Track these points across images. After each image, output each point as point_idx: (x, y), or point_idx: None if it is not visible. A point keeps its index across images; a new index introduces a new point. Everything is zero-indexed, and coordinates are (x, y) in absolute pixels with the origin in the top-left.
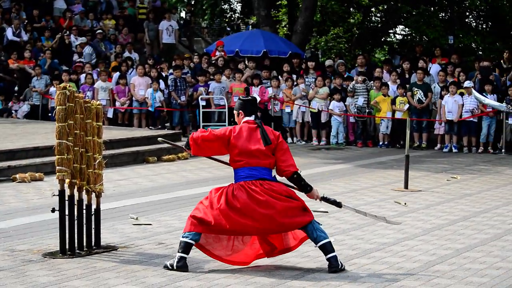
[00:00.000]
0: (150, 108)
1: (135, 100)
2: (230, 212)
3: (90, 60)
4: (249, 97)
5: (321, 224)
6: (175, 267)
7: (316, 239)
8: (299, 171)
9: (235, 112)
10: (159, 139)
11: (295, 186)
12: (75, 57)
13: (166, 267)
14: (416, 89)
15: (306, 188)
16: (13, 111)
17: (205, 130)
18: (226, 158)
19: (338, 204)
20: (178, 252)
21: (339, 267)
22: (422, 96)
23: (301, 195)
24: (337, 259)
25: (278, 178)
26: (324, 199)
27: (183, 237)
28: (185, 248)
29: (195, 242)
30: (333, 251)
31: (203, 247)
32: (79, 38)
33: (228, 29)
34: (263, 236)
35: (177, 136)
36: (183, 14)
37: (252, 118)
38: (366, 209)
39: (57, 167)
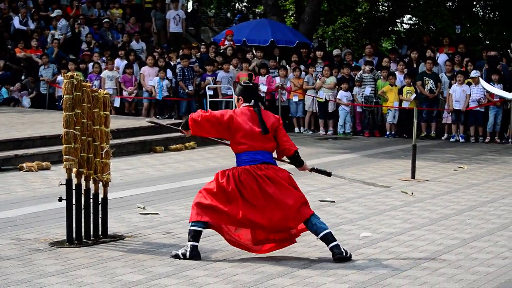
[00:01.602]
0: (157, 97)
1: (145, 90)
2: (240, 198)
3: (67, 32)
4: (250, 84)
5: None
6: (187, 257)
7: (316, 231)
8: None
9: (235, 97)
10: (146, 120)
11: (287, 161)
12: (84, 46)
13: (176, 256)
14: (427, 78)
15: (301, 163)
16: (17, 97)
17: (205, 111)
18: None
19: (328, 174)
20: (189, 241)
21: (343, 254)
22: (433, 85)
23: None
24: (340, 247)
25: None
26: (314, 170)
27: (191, 226)
28: (195, 236)
29: (203, 228)
30: (334, 240)
31: (214, 226)
32: (56, 11)
33: (236, 18)
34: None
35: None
36: (190, 4)
37: (251, 104)
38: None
39: (64, 156)
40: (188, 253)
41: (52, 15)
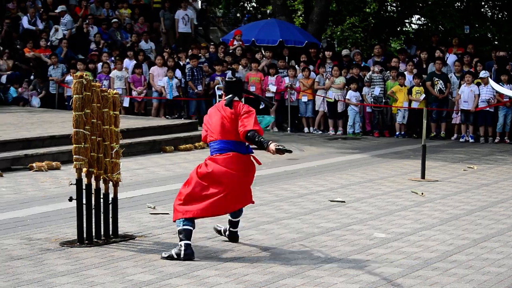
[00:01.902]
0: (168, 96)
1: (155, 90)
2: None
3: (72, 27)
4: (233, 79)
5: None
6: (182, 256)
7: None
8: (254, 130)
9: (222, 93)
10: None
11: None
12: (92, 45)
13: (170, 257)
14: (437, 79)
15: (263, 145)
16: (26, 97)
17: None
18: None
19: (290, 151)
20: (182, 240)
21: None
22: (443, 86)
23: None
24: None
25: None
26: (278, 150)
27: (183, 225)
28: (187, 235)
29: (193, 228)
30: (237, 226)
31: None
32: (60, 6)
33: (245, 18)
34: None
35: (193, 125)
36: (199, 3)
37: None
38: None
39: (74, 156)
40: (182, 252)
41: (57, 11)
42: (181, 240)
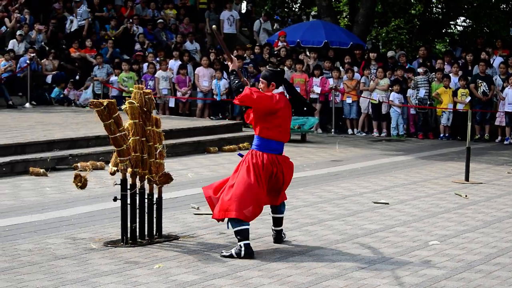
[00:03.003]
0: (216, 98)
1: (200, 91)
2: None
3: (88, 17)
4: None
5: None
6: (242, 255)
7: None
8: None
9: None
10: (213, 26)
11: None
12: (137, 46)
13: (230, 256)
14: (480, 81)
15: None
16: (72, 97)
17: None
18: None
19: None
20: (241, 240)
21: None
22: (487, 88)
23: None
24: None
25: None
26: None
27: (240, 226)
28: (246, 235)
29: (248, 225)
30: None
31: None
32: None
33: (290, 20)
34: None
35: (238, 126)
36: (244, 5)
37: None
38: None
39: (119, 158)
40: (243, 252)
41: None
42: (239, 240)
